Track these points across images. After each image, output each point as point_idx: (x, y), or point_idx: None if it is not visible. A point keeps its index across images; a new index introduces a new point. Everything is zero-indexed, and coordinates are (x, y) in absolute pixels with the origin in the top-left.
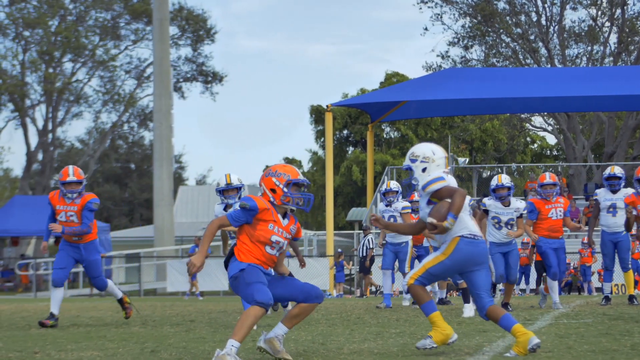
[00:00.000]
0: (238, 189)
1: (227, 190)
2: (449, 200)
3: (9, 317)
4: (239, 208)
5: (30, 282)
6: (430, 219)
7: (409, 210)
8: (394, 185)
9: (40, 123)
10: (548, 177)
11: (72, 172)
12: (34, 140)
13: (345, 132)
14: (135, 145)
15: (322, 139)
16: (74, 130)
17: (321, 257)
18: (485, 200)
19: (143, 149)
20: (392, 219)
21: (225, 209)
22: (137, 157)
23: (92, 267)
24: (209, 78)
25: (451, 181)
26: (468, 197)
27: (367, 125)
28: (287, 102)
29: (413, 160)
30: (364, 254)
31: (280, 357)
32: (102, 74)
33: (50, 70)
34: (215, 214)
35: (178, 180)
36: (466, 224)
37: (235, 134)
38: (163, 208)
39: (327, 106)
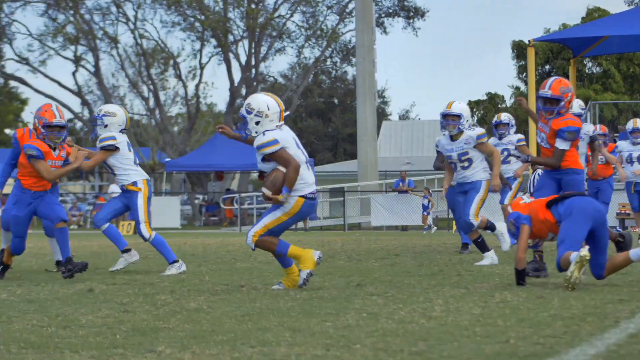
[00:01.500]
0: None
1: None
2: (283, 170)
3: (215, 251)
4: None
5: (234, 217)
6: (266, 191)
7: (524, 143)
8: (505, 117)
9: (243, 58)
10: None
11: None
12: (237, 75)
13: (547, 67)
14: (338, 80)
15: (524, 74)
16: (277, 65)
17: None
18: None
19: (346, 84)
20: (505, 152)
21: None
22: (340, 92)
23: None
24: (411, 13)
25: (285, 137)
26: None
27: (569, 60)
28: (488, 37)
29: (248, 112)
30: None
31: None
32: (304, 9)
33: (253, 6)
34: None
35: (381, 115)
36: (306, 179)
37: (437, 69)
38: (367, 143)
39: (529, 41)
